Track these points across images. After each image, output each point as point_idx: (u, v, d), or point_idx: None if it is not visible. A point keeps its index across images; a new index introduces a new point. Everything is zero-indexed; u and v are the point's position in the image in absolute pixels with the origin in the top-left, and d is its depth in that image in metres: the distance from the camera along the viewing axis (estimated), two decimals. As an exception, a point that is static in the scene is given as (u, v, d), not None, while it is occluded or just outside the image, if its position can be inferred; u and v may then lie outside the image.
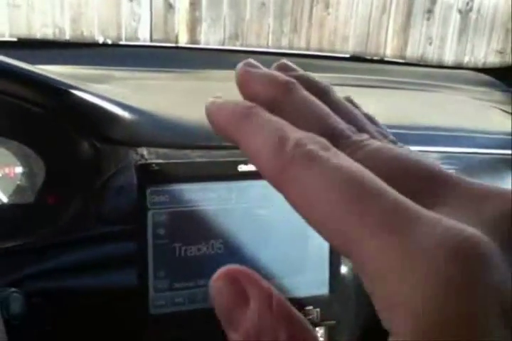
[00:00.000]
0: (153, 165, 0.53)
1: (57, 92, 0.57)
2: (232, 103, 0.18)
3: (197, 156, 0.59)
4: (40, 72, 0.57)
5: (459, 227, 0.14)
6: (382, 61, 1.30)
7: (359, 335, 0.71)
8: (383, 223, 0.14)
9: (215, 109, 0.18)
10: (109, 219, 0.56)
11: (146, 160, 0.56)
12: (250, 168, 0.57)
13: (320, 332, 0.61)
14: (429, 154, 0.80)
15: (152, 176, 0.53)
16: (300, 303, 0.59)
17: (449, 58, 1.49)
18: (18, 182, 0.60)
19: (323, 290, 0.61)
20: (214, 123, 0.18)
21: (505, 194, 0.15)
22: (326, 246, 0.61)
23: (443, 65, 1.41)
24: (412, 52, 1.45)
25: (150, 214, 0.53)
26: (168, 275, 0.53)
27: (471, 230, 0.14)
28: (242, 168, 0.56)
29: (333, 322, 0.61)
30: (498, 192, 0.16)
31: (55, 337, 0.51)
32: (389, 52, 1.42)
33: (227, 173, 0.56)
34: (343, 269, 0.65)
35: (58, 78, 0.58)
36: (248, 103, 0.18)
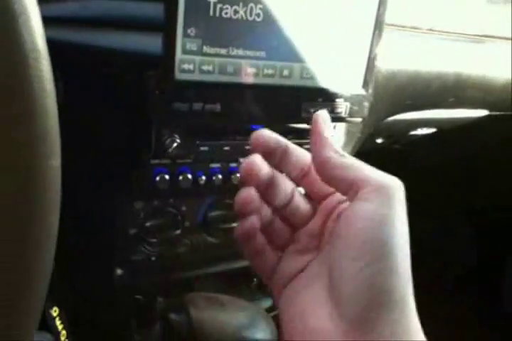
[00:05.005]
0: None
1: None
2: None
3: None
4: None
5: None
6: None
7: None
8: None
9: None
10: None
11: None
12: None
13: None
14: None
15: None
16: (333, 95, 0.54)
17: None
18: None
19: (357, 86, 0.55)
20: None
21: None
22: (367, 41, 0.54)
23: None
24: None
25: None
26: (199, 35, 0.45)
27: None
28: None
29: (359, 119, 0.57)
30: None
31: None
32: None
33: None
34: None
35: None
36: None
